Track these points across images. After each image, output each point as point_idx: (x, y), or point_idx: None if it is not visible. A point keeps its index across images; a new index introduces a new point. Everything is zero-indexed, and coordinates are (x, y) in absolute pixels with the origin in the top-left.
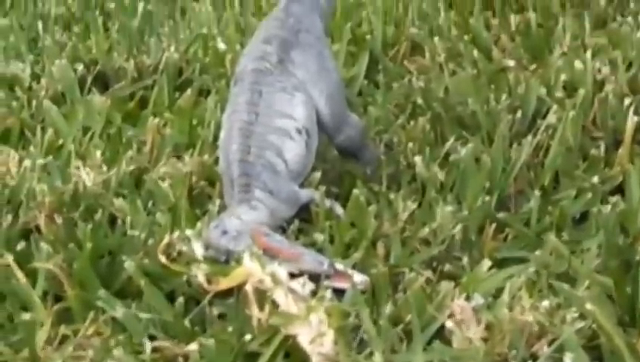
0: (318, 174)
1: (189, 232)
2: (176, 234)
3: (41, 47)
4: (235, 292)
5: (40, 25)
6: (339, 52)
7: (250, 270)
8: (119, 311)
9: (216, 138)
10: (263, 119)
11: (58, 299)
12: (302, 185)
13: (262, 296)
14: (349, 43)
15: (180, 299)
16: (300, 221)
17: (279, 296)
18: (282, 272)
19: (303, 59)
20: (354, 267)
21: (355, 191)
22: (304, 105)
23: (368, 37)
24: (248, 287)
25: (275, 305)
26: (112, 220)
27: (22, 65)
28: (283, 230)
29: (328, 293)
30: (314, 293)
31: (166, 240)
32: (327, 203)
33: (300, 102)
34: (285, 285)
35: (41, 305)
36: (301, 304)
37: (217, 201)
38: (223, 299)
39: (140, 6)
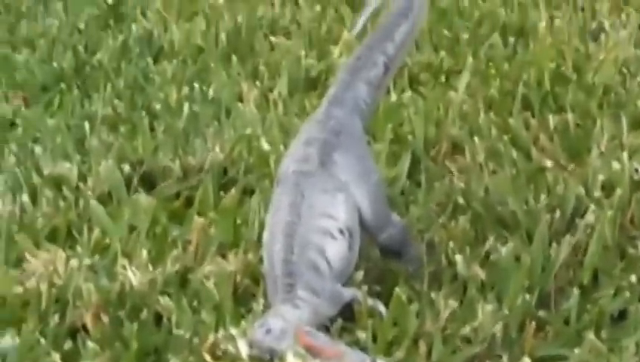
0: (360, 273)
1: (233, 331)
2: (221, 332)
3: (87, 147)
4: None
5: (87, 125)
6: (381, 152)
7: None
8: None
9: (260, 237)
10: (306, 220)
11: None
12: (345, 284)
13: None
14: (390, 142)
15: None
16: (343, 319)
17: None
18: None
19: (345, 160)
20: None
21: (397, 289)
22: (346, 206)
23: (410, 137)
24: None
25: None
26: (158, 318)
27: (69, 165)
28: (326, 328)
29: None
30: None
31: (211, 339)
32: (370, 301)
33: (341, 202)
34: None
35: None
36: None
37: (261, 300)
38: None
39: (186, 107)
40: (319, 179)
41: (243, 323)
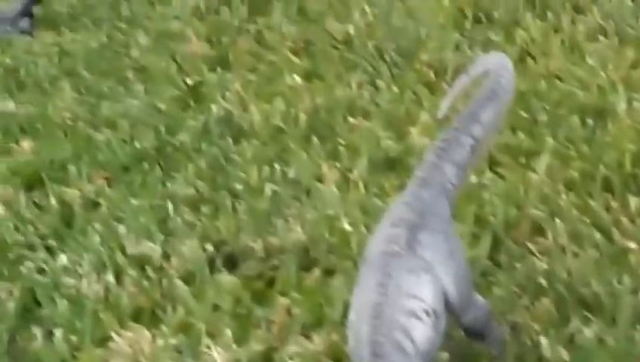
0: (445, 354)
1: None
2: None
3: (171, 227)
4: None
5: (169, 205)
6: (462, 233)
7: None
8: None
9: (343, 318)
10: (393, 300)
11: None
12: None
13: None
14: (472, 224)
15: None
16: None
17: None
18: None
19: (431, 241)
20: None
21: None
22: (432, 287)
23: (491, 218)
24: None
25: None
26: None
27: (152, 245)
28: None
29: None
30: None
31: None
32: None
33: (428, 283)
34: None
35: None
36: None
37: None
38: None
39: (267, 187)
40: (406, 259)
41: None
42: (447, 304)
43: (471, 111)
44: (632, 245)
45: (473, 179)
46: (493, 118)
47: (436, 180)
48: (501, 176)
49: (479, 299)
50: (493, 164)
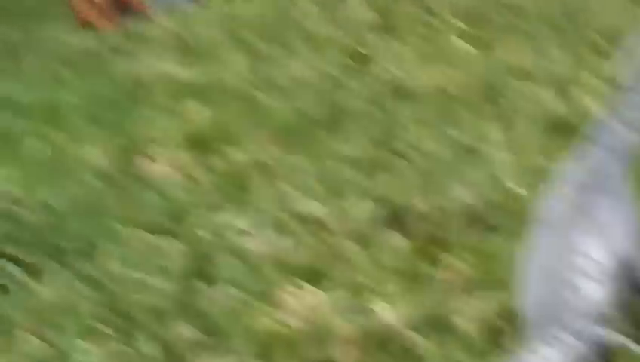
0: (620, 315)
1: None
2: None
3: (340, 188)
4: None
5: (339, 167)
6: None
7: None
8: None
9: (514, 278)
10: (566, 260)
11: None
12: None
13: None
14: None
15: None
16: None
17: None
18: None
19: (605, 202)
20: None
21: None
22: (606, 248)
23: None
24: None
25: None
26: (408, 354)
27: (321, 206)
28: None
29: None
30: None
31: None
32: (631, 346)
33: (602, 244)
34: None
35: None
36: None
37: (515, 340)
38: None
39: (435, 149)
40: (580, 219)
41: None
42: (622, 264)
43: None
44: None
45: None
46: None
47: (610, 141)
48: None
49: None
50: None
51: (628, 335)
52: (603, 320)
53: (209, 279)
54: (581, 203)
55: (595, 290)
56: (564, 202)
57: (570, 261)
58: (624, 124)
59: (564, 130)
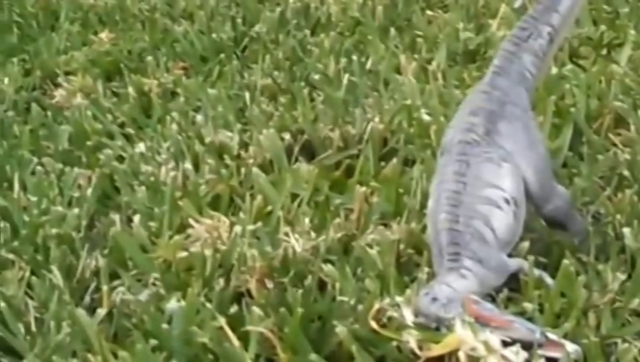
0: (526, 244)
1: (398, 299)
2: (387, 300)
3: (248, 116)
4: (445, 359)
5: (247, 95)
6: (543, 124)
7: (463, 337)
8: None
9: (422, 207)
10: (471, 189)
11: None
12: (510, 255)
13: None
14: (552, 115)
15: None
16: (509, 290)
17: None
18: (495, 340)
19: (510, 130)
20: (565, 337)
21: (565, 261)
22: (512, 176)
23: (572, 109)
24: (461, 355)
25: None
26: (321, 285)
27: (230, 134)
28: (492, 299)
29: None
30: None
31: (377, 306)
32: (536, 272)
33: (507, 172)
34: (499, 353)
35: None
36: None
37: (425, 269)
38: None
39: (345, 78)
40: (485, 148)
41: (407, 291)
42: (528, 193)
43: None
44: None
45: (553, 70)
46: (572, 7)
47: (514, 69)
48: (582, 68)
49: (560, 188)
50: (573, 56)
51: (535, 263)
52: (511, 248)
53: (120, 209)
54: (487, 131)
55: (502, 219)
56: (470, 130)
57: (478, 189)
58: (529, 52)
59: (476, 60)
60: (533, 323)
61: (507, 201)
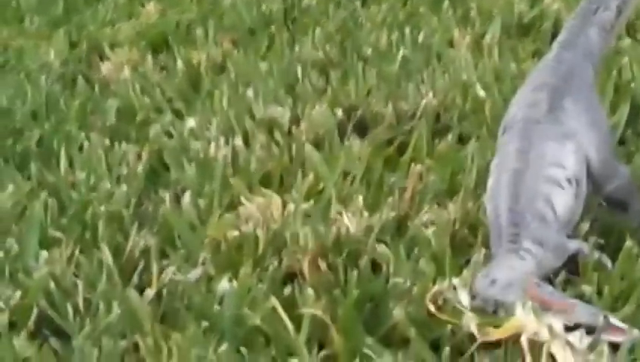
0: (586, 225)
1: (455, 281)
2: (443, 282)
3: (299, 91)
4: (503, 343)
5: (298, 69)
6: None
7: (525, 321)
8: (386, 358)
9: (477, 185)
10: (534, 168)
11: (321, 345)
12: (569, 235)
13: (537, 348)
14: (610, 90)
15: (446, 349)
16: (567, 272)
17: (557, 349)
18: (558, 324)
19: (575, 107)
20: (624, 321)
21: (628, 243)
22: (575, 155)
23: (630, 85)
24: (523, 339)
25: (551, 358)
26: (375, 266)
27: (281, 109)
28: (549, 281)
29: (605, 348)
30: (590, 347)
31: (434, 288)
32: (596, 254)
33: (570, 151)
34: (563, 338)
35: (306, 351)
36: (579, 358)
37: (482, 250)
38: (489, 350)
39: (398, 52)
40: (548, 126)
41: (464, 272)
42: (589, 172)
43: None
44: None
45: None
46: None
47: (581, 43)
48: None
49: (622, 167)
50: (630, 30)
51: (594, 245)
52: (571, 229)
53: (169, 186)
54: (551, 108)
55: (563, 199)
56: (534, 106)
57: (540, 169)
58: (596, 25)
59: (531, 33)
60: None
61: (569, 181)
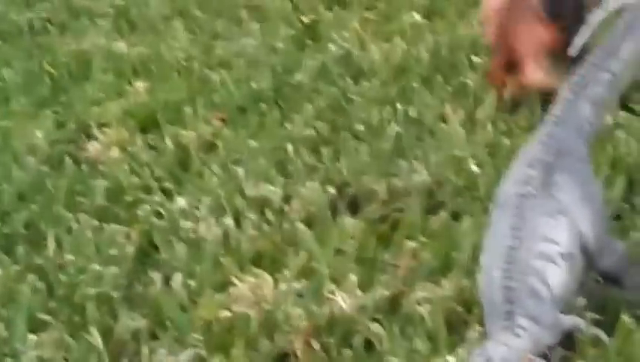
0: (582, 301)
1: (450, 359)
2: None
3: (290, 169)
4: None
5: (289, 146)
6: (595, 174)
7: None
8: None
9: (472, 262)
10: (527, 244)
11: None
12: (564, 311)
13: None
14: (605, 165)
15: None
16: (563, 348)
17: None
18: None
19: (567, 183)
20: None
21: (624, 318)
22: (568, 230)
23: (626, 158)
24: None
25: None
26: (369, 345)
27: (272, 188)
28: (545, 358)
29: None
30: None
31: None
32: (592, 329)
33: (563, 226)
34: None
35: None
36: None
37: (476, 327)
38: None
39: (390, 128)
40: (541, 201)
41: (459, 351)
42: (583, 247)
43: (609, 45)
44: None
45: (607, 118)
46: (633, 53)
47: (573, 118)
48: (637, 115)
49: (616, 242)
50: (627, 102)
51: (591, 321)
52: (565, 305)
53: (159, 267)
54: (544, 184)
55: (557, 275)
56: (527, 183)
57: (533, 245)
58: (588, 100)
59: (525, 108)
60: None
61: (563, 256)
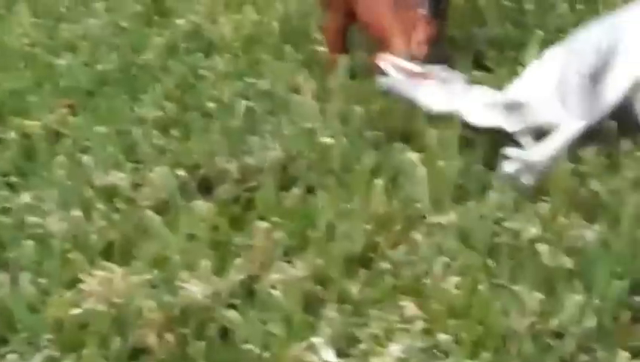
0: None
1: (316, 340)
2: (302, 344)
3: (140, 154)
4: None
5: (138, 130)
6: None
7: None
8: None
9: (328, 239)
10: None
11: None
12: None
13: None
14: None
15: None
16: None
17: None
18: None
19: None
20: None
21: (479, 286)
22: None
23: None
24: None
25: None
26: (225, 333)
27: (121, 175)
28: None
29: None
30: None
31: (294, 351)
32: None
33: None
34: None
35: None
36: None
37: (334, 305)
38: None
39: (240, 103)
40: None
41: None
42: None
43: None
44: None
45: None
46: None
47: None
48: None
49: None
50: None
51: None
52: None
53: (6, 266)
54: None
55: None
56: None
57: None
58: None
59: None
60: (450, 356)
61: None
